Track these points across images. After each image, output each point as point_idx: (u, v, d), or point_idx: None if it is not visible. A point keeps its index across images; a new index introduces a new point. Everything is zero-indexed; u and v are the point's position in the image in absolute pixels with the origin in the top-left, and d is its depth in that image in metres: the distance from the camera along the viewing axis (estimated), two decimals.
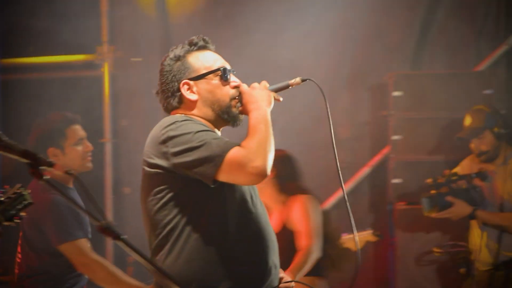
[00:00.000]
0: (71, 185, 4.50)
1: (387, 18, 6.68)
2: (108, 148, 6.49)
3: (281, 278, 3.12)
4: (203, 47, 3.15)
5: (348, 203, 3.08)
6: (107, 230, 2.33)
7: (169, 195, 2.93)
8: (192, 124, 2.94)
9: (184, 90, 3.07)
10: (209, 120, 3.08)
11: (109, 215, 6.30)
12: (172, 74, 3.09)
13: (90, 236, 4.38)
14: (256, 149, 2.83)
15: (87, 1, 6.43)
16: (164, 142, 2.90)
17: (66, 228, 4.24)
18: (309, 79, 3.11)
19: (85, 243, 4.30)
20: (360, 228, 5.59)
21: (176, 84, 3.08)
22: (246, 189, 3.01)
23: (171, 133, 2.90)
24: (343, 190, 3.11)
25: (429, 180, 5.30)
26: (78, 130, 4.54)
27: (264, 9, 6.51)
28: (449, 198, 5.23)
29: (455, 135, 5.51)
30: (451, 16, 6.61)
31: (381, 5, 6.61)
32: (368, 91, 6.60)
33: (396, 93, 6.11)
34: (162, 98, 3.13)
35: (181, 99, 3.09)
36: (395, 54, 6.62)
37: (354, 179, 6.50)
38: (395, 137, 6.11)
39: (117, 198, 6.48)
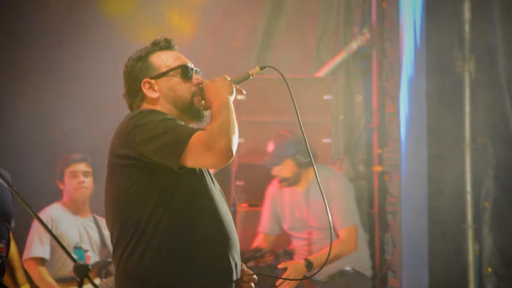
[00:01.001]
0: None
1: (232, 23, 6.76)
2: None
3: (242, 270, 3.14)
4: (165, 47, 3.22)
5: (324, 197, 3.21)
6: None
7: (136, 185, 2.96)
8: (157, 114, 3.01)
9: (145, 89, 3.14)
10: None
11: None
12: (134, 75, 3.17)
13: None
14: (219, 131, 2.91)
15: None
16: (131, 132, 2.95)
17: None
18: (269, 66, 3.21)
19: None
20: None
21: (138, 84, 3.15)
22: (212, 190, 3.06)
23: (137, 123, 2.95)
24: (318, 184, 3.22)
25: None
26: None
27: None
28: (281, 265, 5.24)
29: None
30: (293, 24, 6.78)
31: (227, 11, 6.69)
32: None
33: (239, 97, 6.17)
34: (127, 98, 3.20)
35: (144, 97, 3.15)
36: (240, 59, 6.69)
37: None
38: (238, 140, 6.15)
39: None
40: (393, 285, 6.16)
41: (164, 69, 3.16)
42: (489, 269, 6.53)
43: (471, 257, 6.43)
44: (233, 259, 3.04)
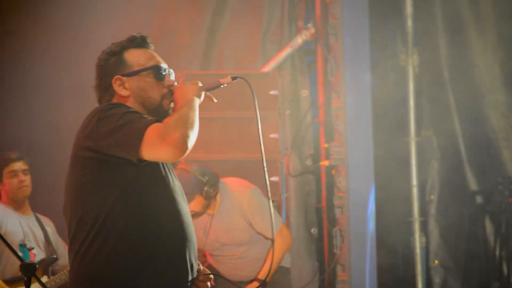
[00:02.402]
0: None
1: (174, 19, 6.70)
2: None
3: (198, 270, 3.11)
4: (141, 45, 3.16)
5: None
6: None
7: (96, 180, 2.95)
8: (121, 107, 2.99)
9: (116, 86, 3.10)
10: None
11: None
12: (106, 69, 3.12)
13: None
14: (175, 123, 2.87)
15: None
16: (94, 124, 2.94)
17: None
18: (240, 77, 3.14)
19: None
20: None
21: (109, 79, 3.11)
22: (173, 189, 3.04)
23: (101, 115, 2.94)
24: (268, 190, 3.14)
25: None
26: None
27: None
28: None
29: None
30: (237, 19, 6.75)
31: (171, 7, 6.63)
32: None
33: None
34: (97, 92, 3.17)
35: (114, 94, 3.12)
36: (185, 54, 6.64)
37: None
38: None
39: None
40: (342, 278, 6.19)
41: (137, 68, 3.10)
42: (436, 261, 6.61)
43: (418, 250, 6.50)
44: (190, 260, 3.02)
